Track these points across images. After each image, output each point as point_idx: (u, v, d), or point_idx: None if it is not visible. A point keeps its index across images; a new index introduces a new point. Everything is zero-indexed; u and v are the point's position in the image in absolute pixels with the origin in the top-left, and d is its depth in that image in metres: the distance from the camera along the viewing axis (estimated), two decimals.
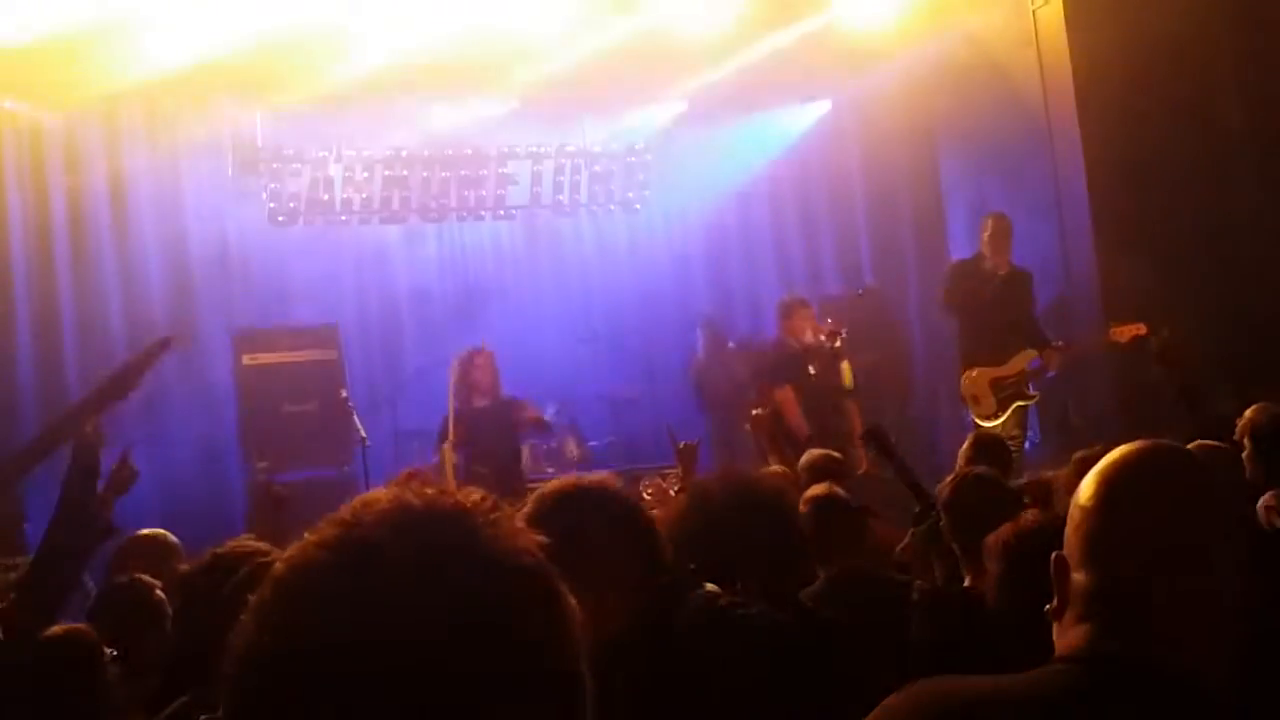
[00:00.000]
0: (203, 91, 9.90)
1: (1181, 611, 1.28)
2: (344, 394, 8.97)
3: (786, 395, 8.65)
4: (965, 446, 5.50)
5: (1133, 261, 8.37)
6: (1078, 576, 1.33)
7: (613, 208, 11.79)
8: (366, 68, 9.56)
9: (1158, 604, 1.28)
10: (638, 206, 11.79)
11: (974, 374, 8.39)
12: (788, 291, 10.22)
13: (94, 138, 10.02)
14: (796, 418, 8.51)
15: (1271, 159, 8.24)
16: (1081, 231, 9.13)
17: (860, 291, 11.28)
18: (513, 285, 11.33)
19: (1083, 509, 1.35)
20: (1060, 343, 8.33)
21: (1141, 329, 7.45)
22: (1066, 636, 1.33)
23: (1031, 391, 8.34)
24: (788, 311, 9.16)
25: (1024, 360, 8.27)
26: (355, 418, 8.58)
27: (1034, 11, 9.57)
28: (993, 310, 8.39)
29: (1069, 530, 1.36)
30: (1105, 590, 1.31)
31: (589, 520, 2.19)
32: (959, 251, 11.28)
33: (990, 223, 8.67)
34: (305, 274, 10.37)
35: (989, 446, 5.54)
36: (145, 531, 4.60)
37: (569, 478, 2.44)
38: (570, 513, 2.15)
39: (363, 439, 8.32)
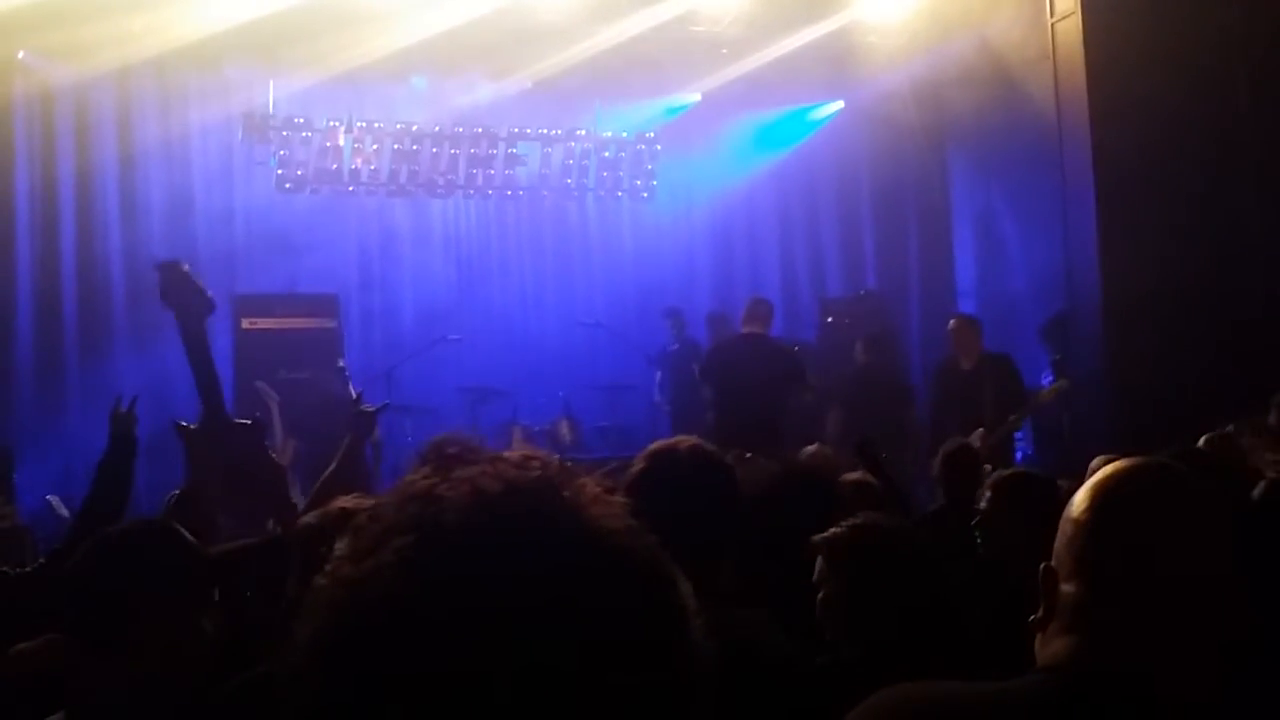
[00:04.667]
0: (216, 55, 9.88)
1: (1167, 630, 1.29)
2: (341, 363, 8.98)
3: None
4: (937, 460, 5.44)
5: (1138, 278, 8.39)
6: (1066, 588, 1.34)
7: (620, 194, 11.79)
8: (382, 42, 9.55)
9: (1144, 620, 1.29)
10: (645, 195, 11.79)
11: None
12: (787, 290, 10.20)
13: (105, 98, 10.02)
14: None
15: None
16: (1087, 246, 9.12)
17: (861, 294, 11.29)
18: (515, 266, 11.33)
19: (1074, 522, 1.36)
20: (1013, 418, 8.37)
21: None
22: (1050, 647, 1.34)
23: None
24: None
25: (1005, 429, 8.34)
26: (350, 387, 8.58)
27: (1052, 25, 9.55)
28: (962, 403, 8.46)
29: (1060, 542, 1.37)
30: (1092, 603, 1.32)
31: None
32: (962, 259, 11.32)
33: (952, 323, 8.89)
34: (309, 243, 10.36)
35: (959, 457, 5.48)
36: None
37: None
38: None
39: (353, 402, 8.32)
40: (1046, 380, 9.35)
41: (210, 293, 4.37)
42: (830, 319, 10.59)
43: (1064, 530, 1.37)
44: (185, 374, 9.25)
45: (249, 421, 4.50)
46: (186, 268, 4.33)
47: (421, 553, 0.77)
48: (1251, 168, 8.42)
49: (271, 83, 10.43)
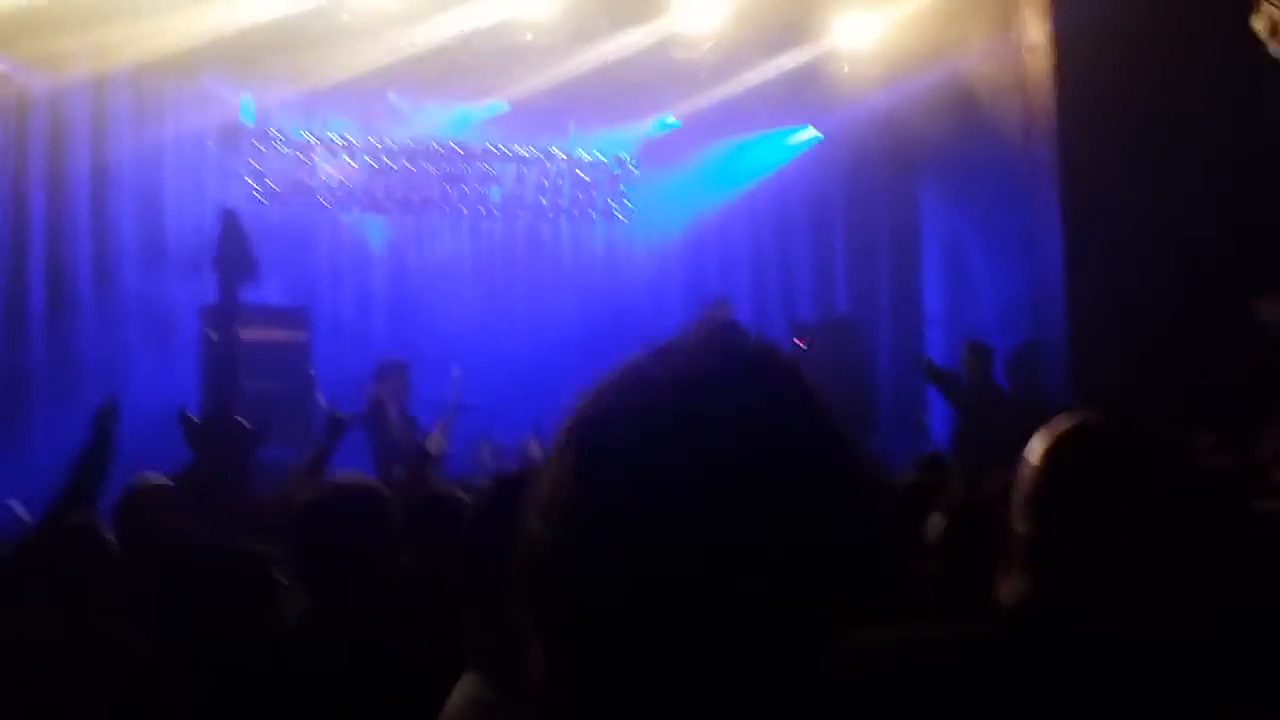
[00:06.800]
0: (191, 67, 9.88)
1: (1110, 569, 1.34)
2: (311, 371, 9.00)
3: None
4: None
5: (1105, 306, 8.50)
6: (1019, 529, 1.40)
7: (594, 216, 11.84)
8: (359, 59, 9.59)
9: (1089, 560, 1.34)
10: (619, 217, 11.84)
11: None
12: (759, 312, 10.26)
13: (79, 108, 9.97)
14: None
15: (1256, 210, 8.37)
16: (1053, 276, 9.25)
17: (833, 318, 11.37)
18: (488, 285, 11.35)
19: (1029, 468, 1.43)
20: None
21: None
22: (1006, 588, 1.40)
23: None
24: None
25: None
26: (319, 395, 8.61)
27: (1021, 56, 9.71)
28: None
29: (1016, 489, 1.44)
30: (1041, 544, 1.38)
31: None
32: (932, 285, 11.43)
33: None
34: (281, 256, 10.34)
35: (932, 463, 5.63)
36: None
37: None
38: None
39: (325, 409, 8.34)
40: None
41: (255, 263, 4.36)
42: (801, 342, 10.65)
43: (1019, 477, 1.44)
44: (148, 386, 9.31)
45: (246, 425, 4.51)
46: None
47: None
48: (1220, 197, 8.54)
49: (247, 96, 10.43)
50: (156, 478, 4.26)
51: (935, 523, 3.33)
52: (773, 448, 0.84)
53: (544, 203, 11.64)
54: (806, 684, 1.19)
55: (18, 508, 7.87)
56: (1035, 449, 1.44)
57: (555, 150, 11.62)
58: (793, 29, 10.41)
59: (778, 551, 0.80)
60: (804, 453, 0.85)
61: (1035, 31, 9.46)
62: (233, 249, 4.23)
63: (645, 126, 11.70)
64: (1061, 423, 1.46)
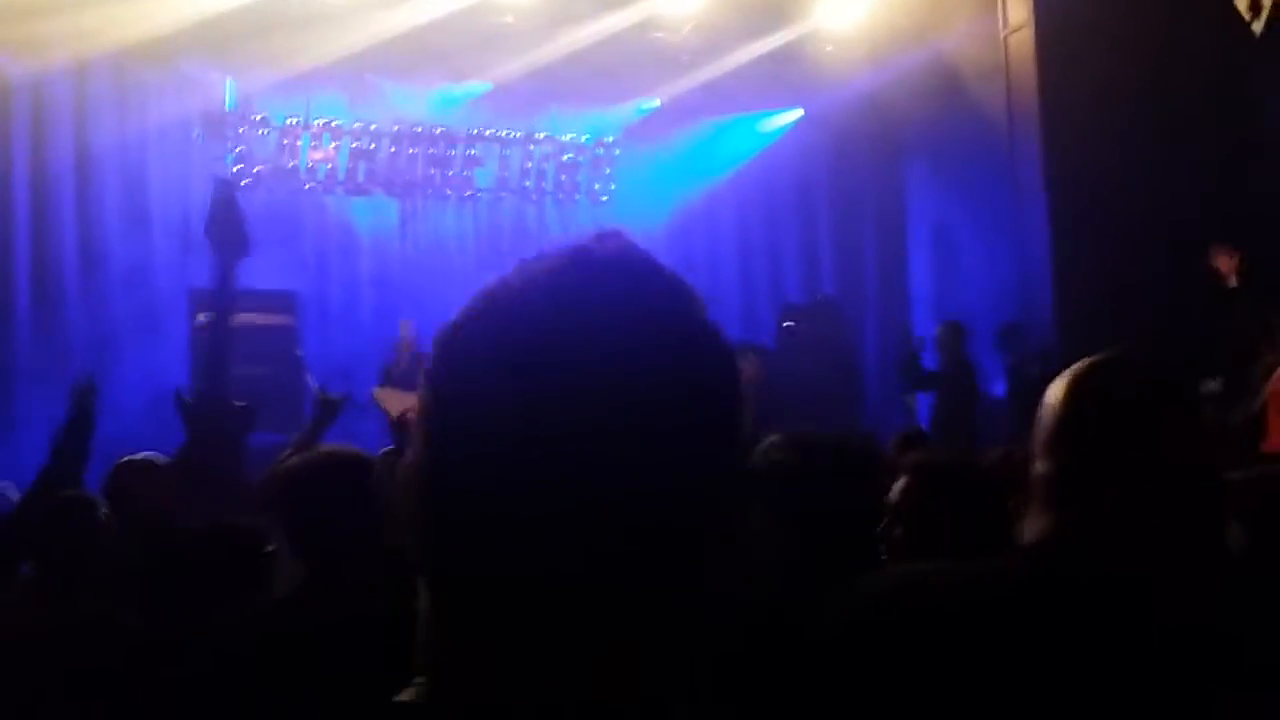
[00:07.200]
0: (174, 52, 9.82)
1: (1133, 505, 1.34)
2: (299, 353, 8.99)
3: None
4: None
5: (1090, 286, 8.52)
6: (1039, 468, 1.41)
7: (578, 198, 11.83)
8: (342, 42, 9.56)
9: (1110, 497, 1.35)
10: (603, 199, 11.84)
11: None
12: (745, 294, 10.24)
13: (62, 94, 9.91)
14: None
15: (1240, 187, 8.40)
16: (1041, 256, 9.27)
17: (819, 299, 11.38)
18: (474, 267, 11.32)
19: (1046, 407, 1.43)
20: None
21: None
22: (1029, 527, 1.40)
23: None
24: None
25: None
26: (308, 375, 8.61)
27: (1005, 37, 9.72)
28: None
29: (1037, 430, 1.45)
30: (1061, 481, 1.38)
31: None
32: (918, 266, 11.45)
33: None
34: (267, 240, 10.28)
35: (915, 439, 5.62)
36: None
37: None
38: None
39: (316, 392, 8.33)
40: (999, 389, 9.46)
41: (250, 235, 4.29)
42: (788, 324, 10.67)
43: (1040, 418, 1.44)
44: (135, 370, 9.27)
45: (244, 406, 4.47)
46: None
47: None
48: (1204, 177, 8.58)
49: (229, 80, 10.38)
50: (146, 455, 4.25)
51: (896, 485, 3.35)
52: (630, 380, 0.76)
53: (528, 185, 11.64)
54: (836, 613, 1.20)
55: (8, 490, 7.87)
56: (1055, 388, 1.45)
57: (539, 133, 11.61)
58: (775, 10, 10.41)
59: (628, 497, 0.74)
60: (668, 390, 0.77)
61: (1019, 12, 9.47)
62: (225, 221, 4.14)
63: (628, 109, 11.70)
64: (1082, 363, 1.48)
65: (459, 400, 0.78)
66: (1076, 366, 1.46)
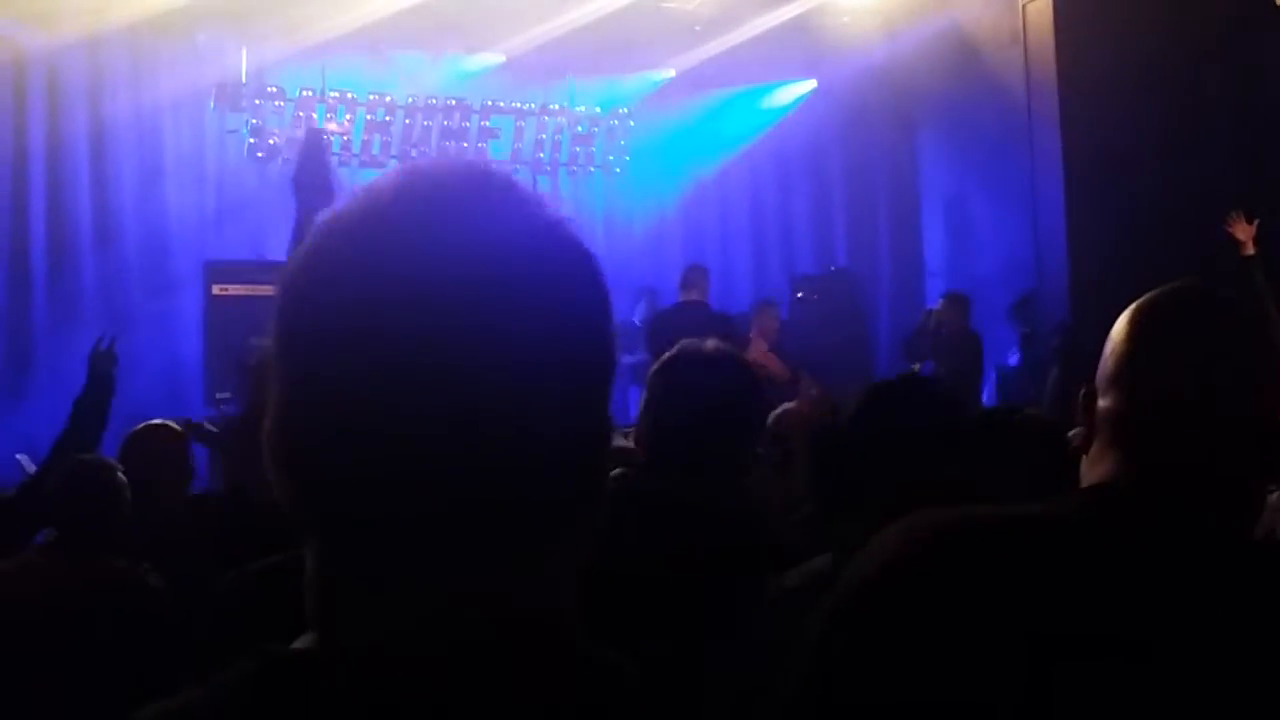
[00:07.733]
0: (188, 24, 9.83)
1: (1201, 441, 1.27)
2: None
3: None
4: None
5: (1106, 258, 8.49)
6: (1104, 403, 1.34)
7: (593, 169, 11.83)
8: (356, 13, 9.55)
9: (1178, 429, 1.28)
10: (618, 170, 11.84)
11: None
12: (758, 265, 10.25)
13: (77, 66, 9.92)
14: None
15: (1255, 166, 8.35)
16: (1056, 227, 9.23)
17: (832, 270, 11.37)
18: None
19: (1113, 340, 1.36)
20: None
21: None
22: (1094, 468, 1.33)
23: None
24: None
25: None
26: None
27: (1023, 7, 9.66)
28: None
29: (1100, 367, 1.37)
30: (1128, 413, 1.31)
31: None
32: (932, 238, 11.42)
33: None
34: (281, 212, 10.32)
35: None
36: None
37: None
38: None
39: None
40: (1014, 359, 9.45)
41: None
42: (800, 295, 10.67)
43: (1106, 350, 1.37)
44: (151, 342, 9.29)
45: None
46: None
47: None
48: (1221, 149, 8.53)
49: (244, 51, 10.38)
50: (161, 420, 4.29)
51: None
52: (492, 278, 0.73)
53: (543, 157, 11.63)
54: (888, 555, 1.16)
55: (25, 462, 7.93)
56: (1120, 322, 1.37)
57: (554, 105, 11.59)
58: None
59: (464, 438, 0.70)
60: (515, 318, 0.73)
61: None
62: (313, 169, 4.16)
63: (643, 81, 11.67)
64: (1154, 292, 1.39)
65: (312, 330, 0.73)
66: (1141, 299, 1.38)
